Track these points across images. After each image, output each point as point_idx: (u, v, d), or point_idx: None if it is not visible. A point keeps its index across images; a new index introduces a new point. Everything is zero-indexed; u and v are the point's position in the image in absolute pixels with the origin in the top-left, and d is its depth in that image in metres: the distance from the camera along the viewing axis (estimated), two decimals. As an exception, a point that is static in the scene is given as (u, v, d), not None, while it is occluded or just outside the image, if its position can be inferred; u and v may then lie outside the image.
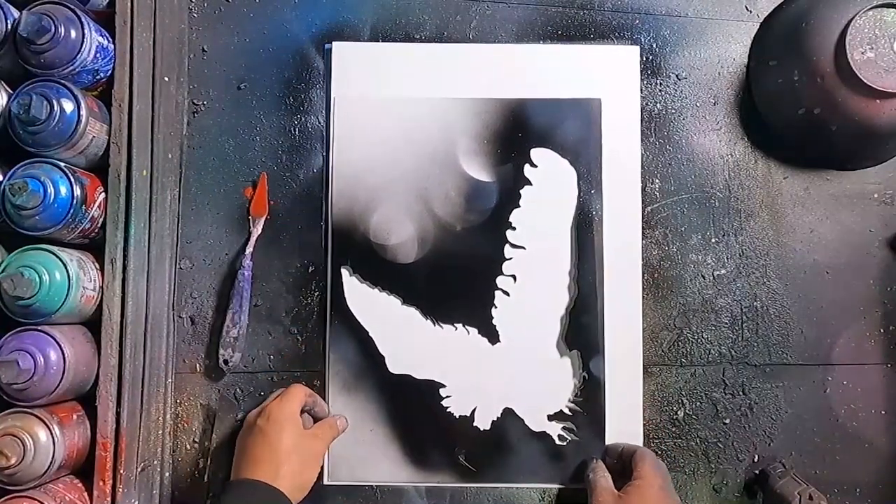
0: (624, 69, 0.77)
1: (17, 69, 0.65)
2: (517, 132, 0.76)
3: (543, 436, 0.74)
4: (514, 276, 0.75)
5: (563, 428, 0.74)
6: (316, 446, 0.69)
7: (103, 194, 0.67)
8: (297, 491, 0.66)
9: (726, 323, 0.76)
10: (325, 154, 0.77)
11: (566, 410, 0.74)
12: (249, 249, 0.75)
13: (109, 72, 0.69)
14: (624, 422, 0.74)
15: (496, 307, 0.75)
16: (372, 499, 0.74)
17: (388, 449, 0.74)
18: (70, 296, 0.63)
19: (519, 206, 0.75)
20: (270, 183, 0.76)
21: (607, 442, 0.74)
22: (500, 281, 0.75)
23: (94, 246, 0.68)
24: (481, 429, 0.74)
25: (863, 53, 0.68)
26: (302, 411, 0.70)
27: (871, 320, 0.76)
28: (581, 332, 0.75)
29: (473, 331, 0.75)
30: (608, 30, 0.78)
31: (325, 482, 0.74)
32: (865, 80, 0.68)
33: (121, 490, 0.66)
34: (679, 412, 0.76)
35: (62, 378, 0.62)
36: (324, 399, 0.74)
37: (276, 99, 0.77)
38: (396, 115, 0.76)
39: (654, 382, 0.76)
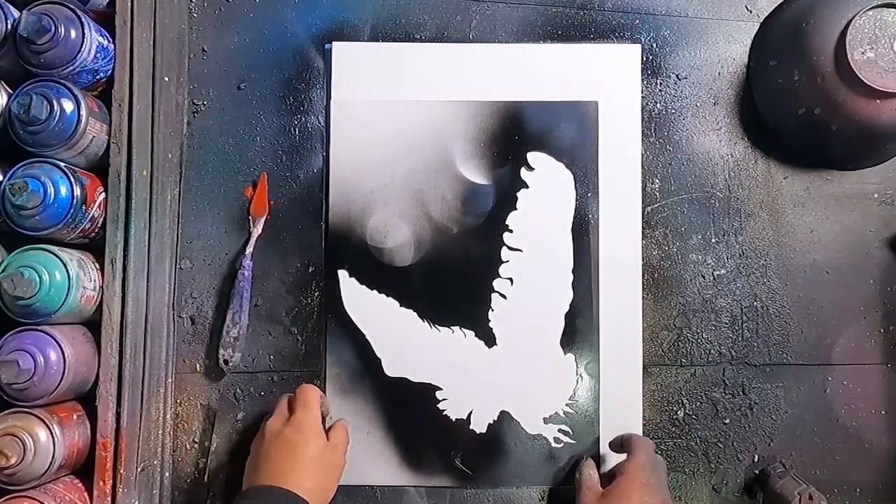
0: (625, 68, 0.77)
1: (17, 69, 0.65)
2: (513, 135, 0.76)
3: (539, 438, 0.74)
4: (510, 279, 0.75)
5: (559, 430, 0.74)
6: (337, 459, 0.69)
7: (103, 194, 0.67)
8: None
9: (726, 323, 0.76)
10: (325, 154, 0.77)
11: (562, 413, 0.75)
12: (249, 249, 0.75)
13: (109, 72, 0.69)
14: (623, 422, 0.74)
15: (493, 310, 0.75)
16: (372, 499, 0.74)
17: (384, 452, 0.74)
18: (70, 296, 0.63)
19: (516, 208, 0.75)
20: (270, 183, 0.77)
21: (602, 444, 0.74)
22: (496, 284, 0.75)
23: (94, 246, 0.68)
24: (477, 432, 0.74)
25: (863, 53, 0.68)
26: None
27: (871, 320, 0.76)
28: (577, 334, 0.75)
29: (470, 333, 0.75)
30: (608, 30, 0.78)
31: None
32: (865, 80, 0.67)
33: (121, 490, 0.66)
34: (679, 412, 0.76)
35: (62, 378, 0.62)
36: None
37: (276, 99, 0.77)
38: (392, 119, 0.76)
39: (654, 382, 0.76)
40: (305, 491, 0.63)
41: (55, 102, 0.62)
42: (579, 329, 0.75)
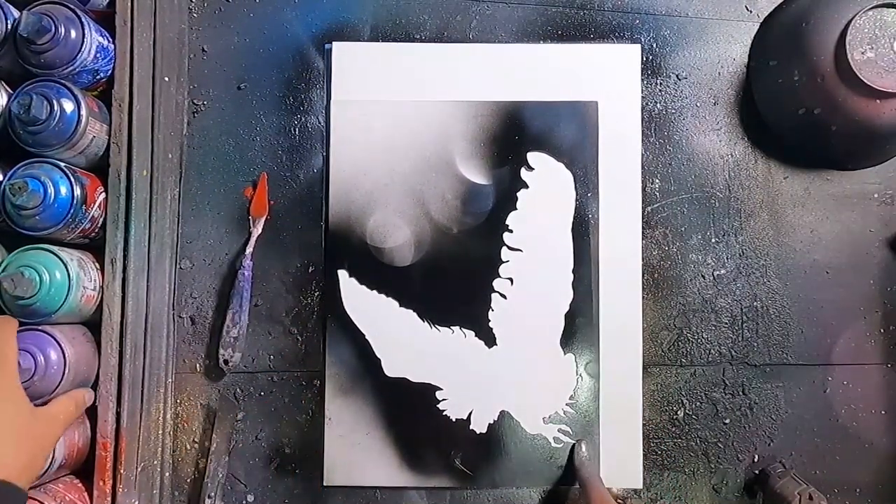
0: (625, 68, 0.77)
1: (17, 69, 0.65)
2: (513, 135, 0.76)
3: (539, 438, 0.74)
4: (510, 279, 0.75)
5: (559, 430, 0.74)
6: (50, 431, 0.57)
7: (103, 194, 0.67)
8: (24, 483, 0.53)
9: (726, 323, 0.76)
10: (325, 154, 0.77)
11: (562, 413, 0.75)
12: (249, 249, 0.75)
13: (109, 72, 0.69)
14: (623, 422, 0.74)
15: (493, 310, 0.75)
16: (372, 499, 0.74)
17: (384, 452, 0.74)
18: (70, 295, 0.63)
19: (516, 208, 0.75)
20: (270, 183, 0.77)
21: (602, 444, 0.74)
22: (496, 284, 0.75)
23: (94, 246, 0.68)
24: (478, 432, 0.74)
25: (863, 53, 0.68)
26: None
27: (871, 320, 0.76)
28: (577, 334, 0.75)
29: (470, 333, 0.75)
30: (608, 30, 0.78)
31: (323, 484, 0.74)
32: (865, 80, 0.67)
33: (121, 490, 0.66)
34: (679, 412, 0.76)
35: (62, 378, 0.62)
36: (322, 400, 0.74)
37: (276, 99, 0.77)
38: (393, 119, 0.76)
39: (654, 382, 0.76)
40: None
41: (55, 102, 0.62)
42: (579, 329, 0.75)
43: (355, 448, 0.74)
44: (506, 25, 0.78)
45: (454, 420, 0.74)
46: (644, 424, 0.75)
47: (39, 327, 0.62)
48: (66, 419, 0.60)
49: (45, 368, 0.61)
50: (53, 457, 0.61)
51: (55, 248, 0.63)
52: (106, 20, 0.69)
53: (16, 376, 0.56)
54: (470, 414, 0.74)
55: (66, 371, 0.62)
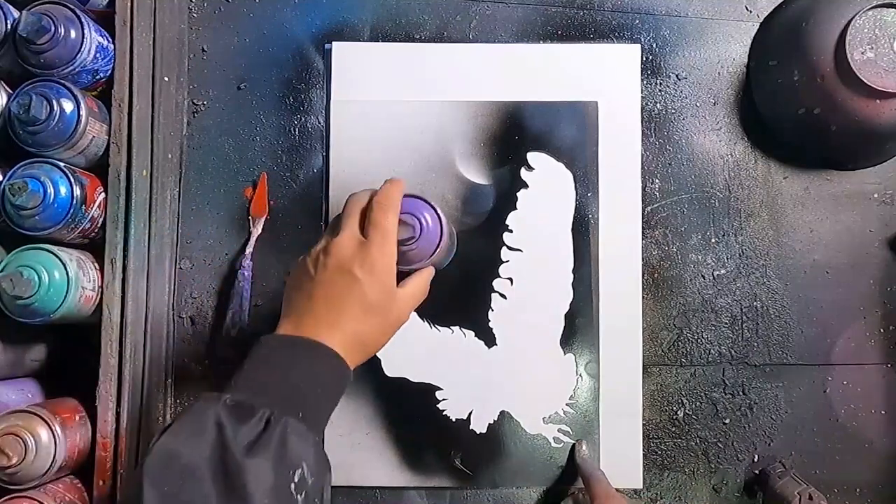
0: (625, 68, 0.77)
1: (17, 69, 0.65)
2: (513, 135, 0.76)
3: (539, 438, 0.74)
4: (510, 279, 0.75)
5: (559, 430, 0.74)
6: (403, 313, 0.58)
7: (103, 194, 0.67)
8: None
9: (726, 323, 0.76)
10: (325, 154, 0.77)
11: (562, 413, 0.75)
12: (249, 249, 0.75)
13: (109, 72, 0.69)
14: (623, 422, 0.74)
15: (493, 310, 0.75)
16: (372, 499, 0.74)
17: (384, 452, 0.74)
18: (69, 295, 0.63)
19: (516, 208, 0.75)
20: (270, 183, 0.76)
21: (602, 443, 0.74)
22: (496, 284, 0.75)
23: (94, 246, 0.68)
24: (477, 432, 0.74)
25: (863, 53, 0.68)
26: None
27: (871, 320, 0.76)
28: (577, 334, 0.75)
29: (470, 333, 0.75)
30: (608, 30, 0.78)
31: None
32: (865, 80, 0.67)
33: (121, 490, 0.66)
34: (679, 412, 0.76)
35: (440, 242, 0.62)
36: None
37: (276, 99, 0.77)
38: (392, 119, 0.76)
39: (654, 382, 0.76)
40: (347, 343, 0.53)
41: (55, 102, 0.62)
42: (579, 329, 0.75)
43: (355, 448, 0.74)
44: (506, 25, 0.78)
45: (454, 420, 0.74)
46: (644, 424, 0.75)
47: (415, 194, 0.61)
48: (415, 302, 0.59)
49: (428, 230, 0.59)
50: (55, 457, 0.61)
51: (54, 248, 0.63)
52: (106, 20, 0.69)
53: (394, 251, 0.56)
54: (470, 414, 0.74)
55: (443, 235, 0.61)
